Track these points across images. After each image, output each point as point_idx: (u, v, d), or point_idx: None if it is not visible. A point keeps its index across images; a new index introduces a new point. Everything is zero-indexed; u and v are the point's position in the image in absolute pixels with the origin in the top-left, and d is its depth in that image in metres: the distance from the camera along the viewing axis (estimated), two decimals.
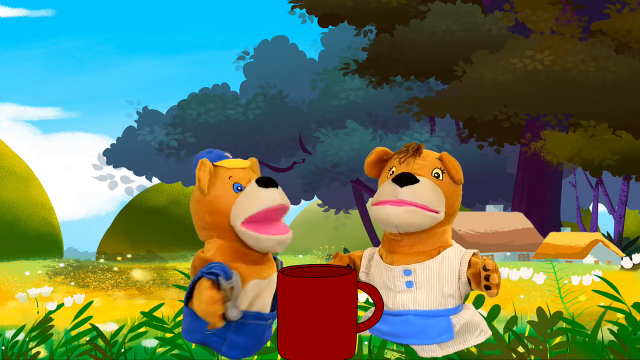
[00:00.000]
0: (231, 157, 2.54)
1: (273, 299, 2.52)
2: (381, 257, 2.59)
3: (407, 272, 2.51)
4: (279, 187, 2.46)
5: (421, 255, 2.52)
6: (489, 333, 2.64)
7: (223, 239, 2.46)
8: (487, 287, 2.44)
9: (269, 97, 20.84)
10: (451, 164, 2.53)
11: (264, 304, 2.48)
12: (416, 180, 2.47)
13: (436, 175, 2.52)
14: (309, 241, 22.98)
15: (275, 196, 2.43)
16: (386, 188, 2.50)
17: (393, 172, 2.54)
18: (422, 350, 2.53)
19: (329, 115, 20.46)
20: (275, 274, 2.49)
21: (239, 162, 2.51)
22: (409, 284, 2.51)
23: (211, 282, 2.33)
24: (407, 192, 2.46)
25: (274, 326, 2.52)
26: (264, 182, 2.44)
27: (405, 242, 2.52)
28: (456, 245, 2.57)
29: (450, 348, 2.53)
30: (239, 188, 2.45)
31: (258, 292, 2.46)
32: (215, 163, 2.50)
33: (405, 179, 2.47)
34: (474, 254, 2.52)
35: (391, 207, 2.46)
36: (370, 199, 19.85)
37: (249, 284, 2.44)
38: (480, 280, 2.46)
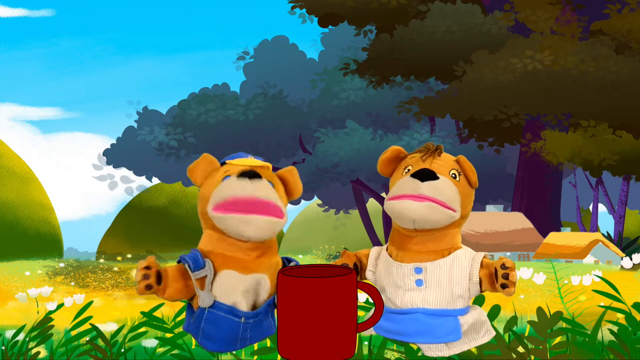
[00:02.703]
0: (252, 157, 2.56)
1: (271, 299, 2.51)
2: (390, 255, 2.59)
3: (418, 270, 2.52)
4: (260, 180, 2.46)
5: (432, 254, 2.53)
6: (494, 332, 2.65)
7: (209, 228, 2.50)
8: (504, 286, 2.45)
9: (269, 97, 20.84)
10: (469, 167, 2.56)
11: (240, 301, 2.47)
12: (436, 177, 2.49)
13: (453, 175, 2.54)
14: (309, 241, 22.98)
15: (244, 187, 2.44)
16: (406, 182, 2.51)
17: (409, 170, 2.55)
18: (429, 350, 2.54)
19: (329, 115, 20.45)
20: (267, 275, 2.49)
21: (249, 161, 2.53)
22: (419, 282, 2.52)
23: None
24: (427, 188, 2.47)
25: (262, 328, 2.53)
26: (241, 173, 2.46)
27: (418, 238, 2.52)
28: (465, 248, 2.58)
29: (457, 348, 2.54)
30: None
31: (233, 285, 2.46)
32: (227, 161, 2.52)
33: (426, 175, 2.49)
34: (484, 256, 2.54)
35: (410, 201, 2.47)
36: (371, 199, 19.65)
37: (221, 272, 2.45)
38: (497, 279, 2.46)
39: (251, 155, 2.56)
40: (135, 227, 23.69)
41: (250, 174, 2.45)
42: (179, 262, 2.47)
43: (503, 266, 2.46)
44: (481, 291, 2.55)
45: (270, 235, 2.47)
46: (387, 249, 2.62)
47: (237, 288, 2.46)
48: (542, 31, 18.21)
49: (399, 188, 2.52)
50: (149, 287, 2.38)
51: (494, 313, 3.60)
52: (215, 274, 2.45)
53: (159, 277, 2.41)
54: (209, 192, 2.48)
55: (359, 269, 2.64)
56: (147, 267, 2.38)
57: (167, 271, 2.43)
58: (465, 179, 2.55)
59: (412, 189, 2.48)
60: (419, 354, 3.10)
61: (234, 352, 4.07)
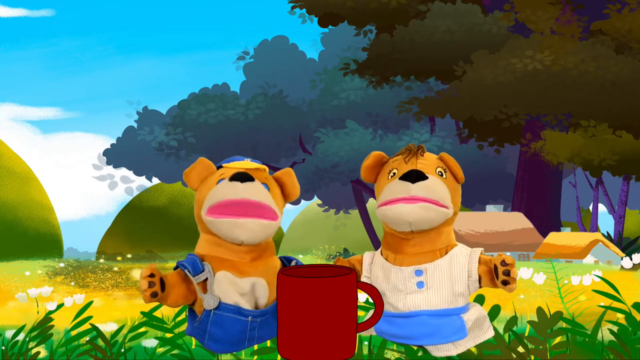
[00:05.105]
0: (248, 160, 2.55)
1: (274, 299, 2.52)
2: (386, 259, 2.58)
3: (419, 273, 2.51)
4: (252, 182, 2.45)
5: (430, 255, 2.52)
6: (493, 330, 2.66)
7: (205, 232, 2.51)
8: (506, 282, 2.45)
9: (269, 97, 20.84)
10: (453, 163, 2.55)
11: (241, 301, 2.47)
12: (426, 177, 2.48)
13: (440, 173, 2.53)
14: (309, 241, 22.97)
15: (236, 190, 2.44)
16: (395, 186, 2.50)
17: (395, 173, 2.54)
18: (436, 350, 2.54)
19: (329, 115, 20.45)
20: (263, 278, 2.49)
21: (245, 164, 2.52)
22: (420, 285, 2.51)
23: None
24: (419, 189, 2.46)
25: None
26: (233, 176, 2.46)
27: (415, 240, 2.52)
28: (461, 245, 2.58)
29: (463, 346, 2.54)
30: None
31: (228, 286, 2.46)
32: (224, 164, 2.52)
33: (416, 176, 2.47)
34: (481, 252, 2.53)
35: (404, 204, 2.46)
36: (371, 199, 19.65)
37: (217, 274, 2.45)
38: (497, 275, 2.46)
39: (248, 158, 2.55)
40: (135, 227, 23.69)
41: (242, 177, 2.45)
42: (176, 268, 2.47)
43: (503, 263, 2.46)
44: (480, 287, 2.55)
45: (264, 238, 2.47)
46: (381, 253, 2.61)
47: (233, 290, 2.47)
48: (542, 31, 18.21)
49: (390, 192, 2.50)
50: (154, 295, 2.38)
51: (494, 313, 3.60)
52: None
53: (163, 284, 2.41)
54: (203, 196, 2.48)
55: None
56: (151, 275, 2.38)
57: (168, 278, 2.43)
58: (451, 175, 2.54)
59: (404, 191, 2.47)
60: (419, 354, 3.10)
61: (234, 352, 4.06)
